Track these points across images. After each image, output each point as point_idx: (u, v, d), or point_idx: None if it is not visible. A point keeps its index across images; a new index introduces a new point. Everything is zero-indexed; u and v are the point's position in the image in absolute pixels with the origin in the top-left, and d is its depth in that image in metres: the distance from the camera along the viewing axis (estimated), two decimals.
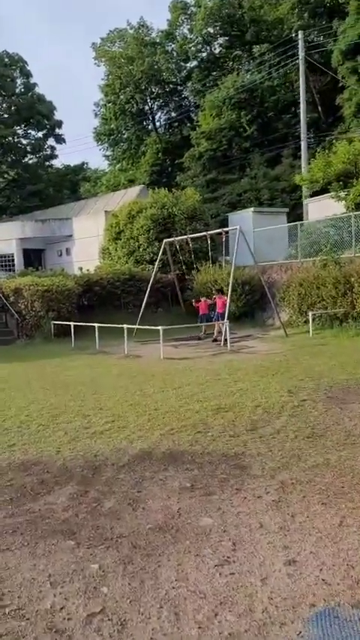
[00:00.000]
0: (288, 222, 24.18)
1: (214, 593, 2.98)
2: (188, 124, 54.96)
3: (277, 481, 4.52)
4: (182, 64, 52.61)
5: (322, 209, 23.67)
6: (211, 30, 49.17)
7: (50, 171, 46.09)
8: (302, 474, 4.66)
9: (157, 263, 19.00)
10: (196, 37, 49.98)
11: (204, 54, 52.41)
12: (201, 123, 44.17)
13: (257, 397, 7.56)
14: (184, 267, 21.63)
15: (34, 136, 45.19)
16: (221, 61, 51.90)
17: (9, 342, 17.38)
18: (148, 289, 18.61)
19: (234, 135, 42.47)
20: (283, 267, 20.50)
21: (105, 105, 53.35)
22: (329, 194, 22.35)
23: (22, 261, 28.93)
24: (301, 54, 30.28)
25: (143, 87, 51.83)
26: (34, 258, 29.59)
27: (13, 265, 29.06)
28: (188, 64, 52.78)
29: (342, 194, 21.46)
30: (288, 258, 21.70)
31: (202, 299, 18.14)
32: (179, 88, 54.86)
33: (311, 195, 22.80)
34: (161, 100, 55.52)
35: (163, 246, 18.75)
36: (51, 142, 45.33)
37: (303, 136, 29.94)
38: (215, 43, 51.50)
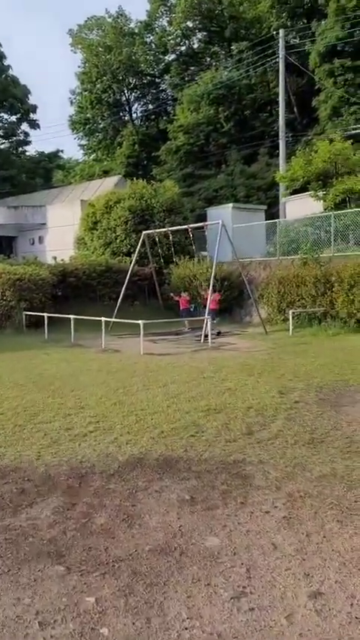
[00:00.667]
0: (264, 220, 23.96)
1: (235, 635, 2.56)
2: (165, 118, 54.34)
3: (283, 493, 4.13)
4: (161, 56, 51.94)
5: (300, 208, 23.53)
6: (190, 24, 48.65)
7: (23, 157, 44.80)
8: (310, 485, 4.28)
9: (135, 255, 18.46)
10: (175, 30, 49.38)
11: (183, 48, 51.84)
12: (179, 117, 43.66)
13: (248, 398, 7.17)
14: (161, 261, 21.17)
15: (7, 119, 43.83)
16: (200, 56, 51.45)
17: None
18: (126, 282, 18.06)
19: (211, 130, 42.18)
20: (262, 265, 20.24)
21: (81, 93, 52.29)
22: (308, 193, 22.22)
23: None
24: (281, 53, 30.04)
25: (120, 77, 50.95)
26: (5, 245, 28.66)
27: None
28: (167, 57, 52.14)
29: (320, 193, 21.35)
30: (266, 256, 21.48)
31: (183, 294, 17.74)
32: (157, 80, 54.15)
33: (291, 194, 22.60)
34: (138, 92, 54.72)
35: (142, 238, 18.23)
36: (25, 127, 44.05)
37: (281, 134, 29.74)
38: (194, 37, 51.02)
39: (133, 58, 50.27)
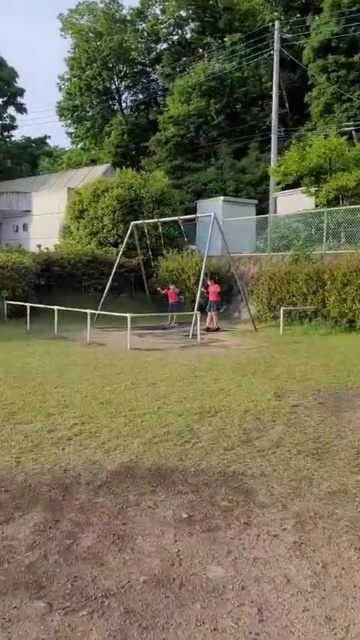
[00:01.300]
0: (255, 214, 23.57)
1: None
2: (155, 108, 53.63)
3: (291, 513, 3.71)
4: (152, 45, 51.15)
5: (291, 204, 23.16)
6: (183, 13, 47.94)
7: (9, 142, 43.76)
8: (319, 503, 3.87)
9: (122, 246, 17.92)
10: (168, 19, 48.64)
11: (175, 37, 51.10)
12: (169, 107, 43.00)
13: (243, 400, 6.75)
14: (149, 253, 20.65)
15: None
16: (192, 46, 50.77)
17: None
18: (112, 273, 17.52)
19: (202, 122, 41.62)
20: (252, 260, 19.87)
21: (70, 79, 51.27)
22: (300, 189, 21.87)
23: None
24: (276, 45, 29.56)
25: (111, 65, 50.05)
26: None
27: None
28: (158, 46, 51.36)
29: (312, 189, 21.01)
30: (255, 251, 21.10)
31: (171, 287, 17.29)
32: (148, 69, 53.36)
33: (283, 189, 22.22)
34: (129, 80, 53.87)
35: (130, 229, 17.68)
36: (11, 111, 43.01)
37: (274, 128, 29.31)
38: (187, 27, 50.31)
39: (124, 45, 49.40)
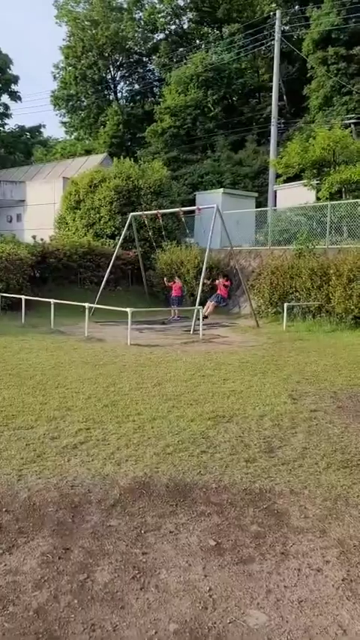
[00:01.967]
0: (255, 207, 23.14)
1: None
2: (151, 99, 52.89)
3: (332, 540, 3.29)
4: (149, 34, 50.37)
5: (291, 197, 22.74)
6: (181, 2, 47.24)
7: (2, 131, 42.92)
8: None
9: (121, 237, 17.40)
10: (166, 8, 47.90)
11: (172, 27, 50.34)
12: (166, 98, 42.32)
13: (257, 403, 6.33)
14: (147, 245, 20.18)
15: None
16: (189, 36, 50.07)
17: None
18: (110, 265, 17.02)
19: (199, 114, 41.03)
20: (252, 254, 19.45)
21: (65, 68, 50.39)
22: (301, 181, 21.43)
23: None
24: (277, 35, 28.96)
25: (107, 54, 49.23)
26: None
27: None
28: (155, 36, 50.59)
29: (314, 182, 20.58)
30: (255, 245, 20.67)
31: (177, 279, 16.85)
32: (144, 59, 52.59)
33: (285, 181, 21.76)
34: (125, 70, 53.06)
35: (129, 220, 17.16)
36: (5, 99, 42.15)
37: (274, 120, 28.75)
38: (185, 17, 49.56)
39: (121, 34, 48.59)
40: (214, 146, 40.74)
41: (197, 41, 48.74)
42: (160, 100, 44.75)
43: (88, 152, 44.28)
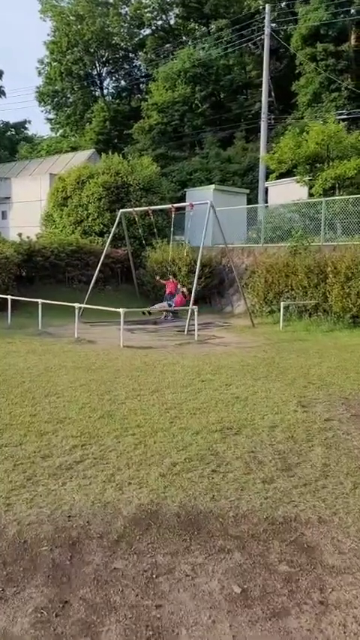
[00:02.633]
0: (246, 204, 22.71)
1: None
2: (138, 95, 52.28)
3: None
4: (136, 30, 49.71)
5: (283, 193, 22.34)
6: None
7: None
8: None
9: (110, 235, 16.83)
10: (152, 3, 47.28)
11: (159, 22, 49.75)
12: (153, 94, 41.74)
13: (265, 411, 5.85)
14: (136, 243, 19.63)
15: None
16: (176, 32, 49.52)
17: None
18: (100, 264, 16.45)
19: (187, 110, 40.52)
20: (245, 252, 18.99)
21: (50, 63, 49.57)
22: (294, 178, 21.04)
23: None
24: (267, 30, 28.57)
25: (92, 49, 48.52)
26: None
27: None
28: (142, 31, 49.96)
29: (306, 178, 20.19)
30: (247, 242, 20.24)
31: (171, 277, 16.35)
32: (130, 55, 51.93)
33: (277, 178, 21.32)
34: (111, 66, 52.37)
35: (118, 217, 16.60)
36: None
37: (264, 116, 28.38)
38: (171, 12, 48.98)
39: (107, 29, 47.91)
40: (202, 143, 40.31)
41: (184, 37, 48.20)
42: (147, 96, 44.17)
43: (74, 149, 43.56)
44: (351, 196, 16.56)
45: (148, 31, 49.49)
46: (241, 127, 40.38)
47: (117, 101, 52.35)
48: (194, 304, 13.54)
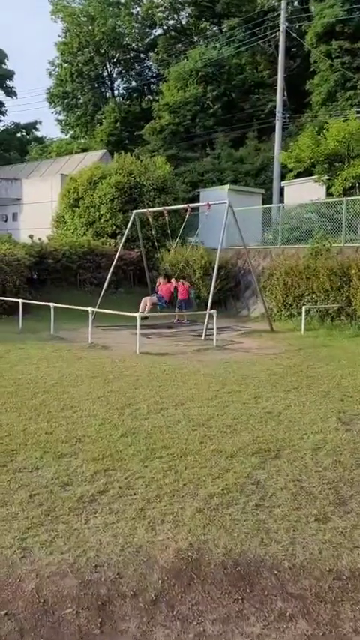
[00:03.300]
0: (262, 204, 22.16)
1: None
2: (149, 97, 51.90)
3: None
4: (147, 29, 49.34)
5: (299, 193, 21.77)
6: None
7: None
8: None
9: (124, 237, 16.34)
10: (164, 3, 46.85)
11: (171, 22, 49.34)
12: (164, 94, 41.31)
13: (304, 430, 5.31)
14: (149, 245, 19.14)
15: None
16: (188, 32, 49.06)
17: None
18: (112, 266, 15.95)
19: (198, 110, 40.02)
20: (261, 253, 18.45)
21: (61, 65, 49.27)
22: (311, 177, 20.48)
23: None
24: (282, 26, 28.01)
25: (103, 50, 48.12)
26: None
27: None
28: (153, 31, 49.58)
29: (325, 177, 19.61)
30: (262, 243, 19.70)
31: (181, 281, 15.79)
32: (142, 55, 51.54)
33: (296, 177, 20.78)
34: (122, 67, 51.99)
35: (132, 218, 16.10)
36: (0, 95, 41.02)
37: (279, 114, 27.84)
38: (183, 12, 48.54)
39: (118, 30, 47.55)
40: (214, 143, 39.79)
41: (196, 37, 47.71)
42: (158, 97, 43.75)
43: (84, 151, 43.23)
44: None
45: (159, 31, 49.11)
46: (254, 126, 39.82)
47: (127, 102, 51.99)
48: (212, 308, 13.03)
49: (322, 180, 19.72)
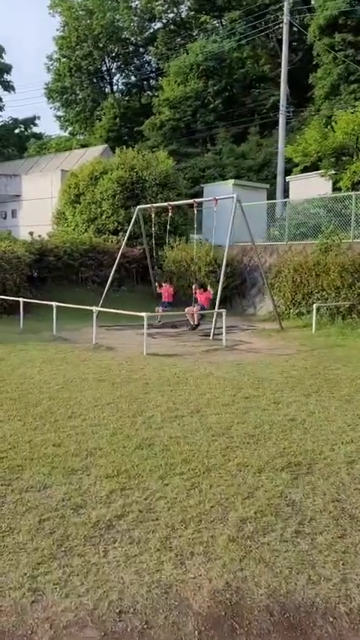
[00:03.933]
0: (266, 199, 21.72)
1: None
2: (148, 92, 51.39)
3: None
4: (146, 23, 48.77)
5: (305, 188, 21.31)
6: None
7: None
8: None
9: (127, 233, 15.89)
10: None
11: (170, 15, 48.77)
12: (164, 89, 40.78)
13: (333, 440, 4.89)
14: (152, 242, 18.69)
15: None
16: (188, 25, 48.53)
17: None
18: (116, 264, 15.53)
19: (199, 105, 39.55)
20: (268, 250, 18.01)
21: (59, 59, 48.71)
22: (317, 172, 20.01)
23: None
24: (286, 18, 27.49)
25: (102, 44, 47.54)
26: None
27: None
28: (152, 25, 49.02)
29: (332, 172, 19.16)
30: (268, 240, 19.27)
31: (164, 284, 15.36)
32: (141, 50, 50.97)
33: (302, 171, 20.30)
34: (121, 62, 51.41)
35: (135, 214, 15.65)
36: None
37: (282, 108, 27.35)
38: (183, 5, 47.97)
39: (117, 24, 46.99)
40: (215, 139, 39.32)
41: (196, 31, 47.18)
42: (158, 93, 43.24)
43: (84, 147, 42.72)
44: None
45: (159, 25, 48.56)
46: (255, 122, 39.35)
47: (127, 98, 51.46)
48: (219, 307, 12.61)
49: (329, 175, 19.27)
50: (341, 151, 18.10)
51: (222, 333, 11.27)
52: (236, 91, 43.01)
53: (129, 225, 16.63)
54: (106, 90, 51.57)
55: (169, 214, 15.19)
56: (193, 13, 46.94)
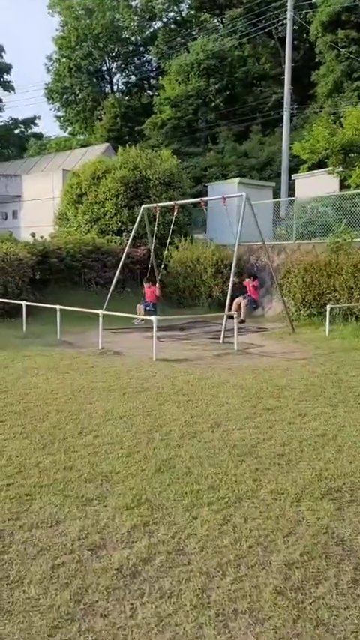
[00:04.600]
0: (272, 198, 21.28)
1: None
2: (149, 92, 50.99)
3: None
4: (147, 22, 48.36)
5: (311, 186, 20.87)
6: None
7: None
8: None
9: (132, 233, 15.44)
10: None
11: (171, 14, 48.36)
12: (165, 88, 40.37)
13: None
14: (156, 242, 18.24)
15: None
16: (188, 24, 48.11)
17: None
18: (120, 265, 15.08)
19: (201, 104, 39.12)
20: (275, 249, 17.57)
21: (59, 59, 48.30)
22: (325, 169, 19.58)
23: None
24: (290, 14, 27.03)
25: (102, 44, 47.15)
26: None
27: None
28: (153, 24, 48.62)
29: (339, 169, 18.74)
30: (274, 239, 18.86)
31: (146, 284, 14.99)
32: (141, 49, 50.55)
33: (309, 169, 19.87)
34: (121, 61, 51.00)
35: (140, 213, 15.19)
36: None
37: (286, 105, 26.89)
38: (183, 4, 47.58)
39: (116, 23, 46.59)
40: (217, 138, 38.92)
41: (196, 30, 46.74)
42: (158, 92, 42.83)
43: (84, 147, 42.28)
44: None
45: (159, 24, 48.19)
46: (257, 120, 38.94)
47: (127, 97, 51.03)
48: (222, 308, 12.16)
49: (337, 172, 18.85)
50: (350, 147, 17.67)
51: (229, 335, 10.83)
52: (238, 90, 42.59)
53: (132, 225, 16.18)
54: (107, 90, 51.19)
55: (174, 214, 14.72)
56: (193, 11, 46.52)
